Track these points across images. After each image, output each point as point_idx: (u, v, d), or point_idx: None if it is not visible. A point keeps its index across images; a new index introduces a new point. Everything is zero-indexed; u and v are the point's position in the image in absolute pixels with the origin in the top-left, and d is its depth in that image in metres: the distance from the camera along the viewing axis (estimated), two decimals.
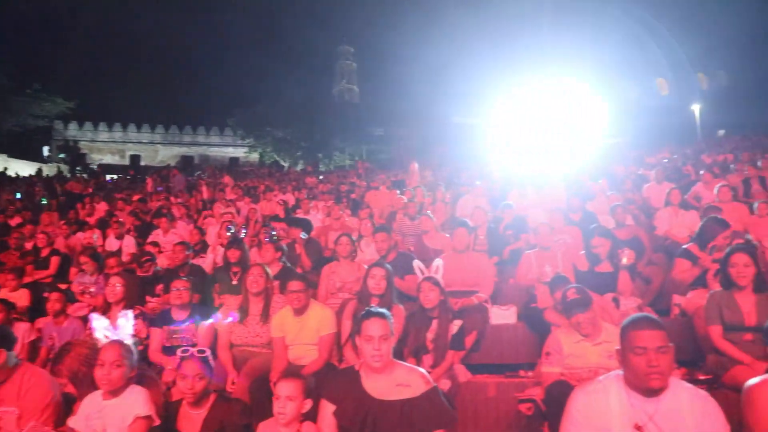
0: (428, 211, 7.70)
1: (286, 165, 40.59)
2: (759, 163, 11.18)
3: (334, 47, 72.76)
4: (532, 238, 6.25)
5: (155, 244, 7.82)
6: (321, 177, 20.95)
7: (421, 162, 16.24)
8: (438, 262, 4.53)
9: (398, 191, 11.27)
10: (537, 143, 11.96)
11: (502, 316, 5.17)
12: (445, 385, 3.79)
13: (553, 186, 9.44)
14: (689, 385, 2.39)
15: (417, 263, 4.62)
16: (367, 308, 2.94)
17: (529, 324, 4.95)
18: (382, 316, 2.81)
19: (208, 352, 3.11)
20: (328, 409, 2.78)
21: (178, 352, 3.11)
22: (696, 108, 33.37)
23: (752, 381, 2.33)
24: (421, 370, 2.89)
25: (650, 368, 2.24)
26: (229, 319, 4.50)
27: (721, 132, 29.34)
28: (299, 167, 36.40)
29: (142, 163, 49.25)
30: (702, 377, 4.06)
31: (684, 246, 5.41)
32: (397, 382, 2.76)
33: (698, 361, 4.34)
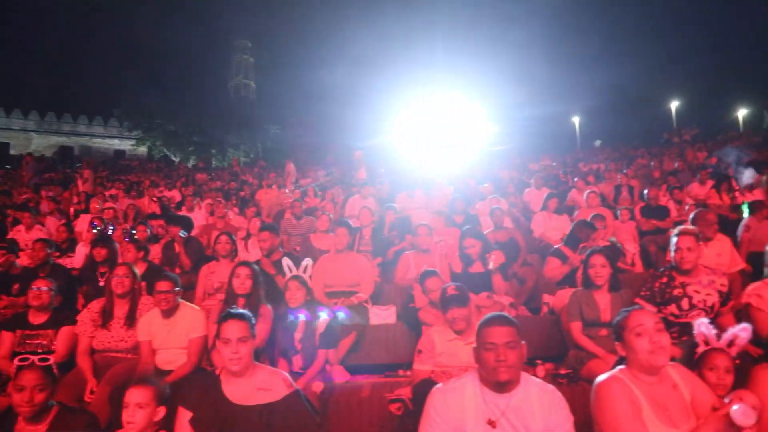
0: (318, 211, 7.63)
1: (176, 160, 38.66)
2: (625, 172, 12.26)
3: (231, 40, 70.47)
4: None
5: (12, 241, 7.08)
6: (213, 174, 20.15)
7: (310, 161, 16.17)
8: (307, 261, 4.49)
9: (287, 190, 11.09)
10: (428, 149, 12.44)
11: (382, 316, 5.20)
12: (318, 386, 3.73)
13: (440, 188, 9.70)
14: (538, 380, 2.50)
15: (286, 261, 4.55)
16: (227, 310, 2.81)
17: (408, 324, 5.02)
18: (240, 317, 2.70)
19: (52, 360, 2.82)
20: (184, 416, 2.62)
21: (16, 361, 2.80)
22: (576, 120, 36.00)
23: (600, 378, 2.47)
24: (284, 373, 2.81)
25: (498, 362, 2.33)
26: None
27: (598, 142, 31.73)
28: (191, 163, 34.84)
29: (12, 152, 44.71)
30: (563, 371, 4.33)
31: (556, 246, 5.77)
32: (257, 386, 2.66)
33: (565, 356, 4.60)
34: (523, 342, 2.45)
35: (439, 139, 12.79)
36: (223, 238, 5.49)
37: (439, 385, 2.54)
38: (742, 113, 34.60)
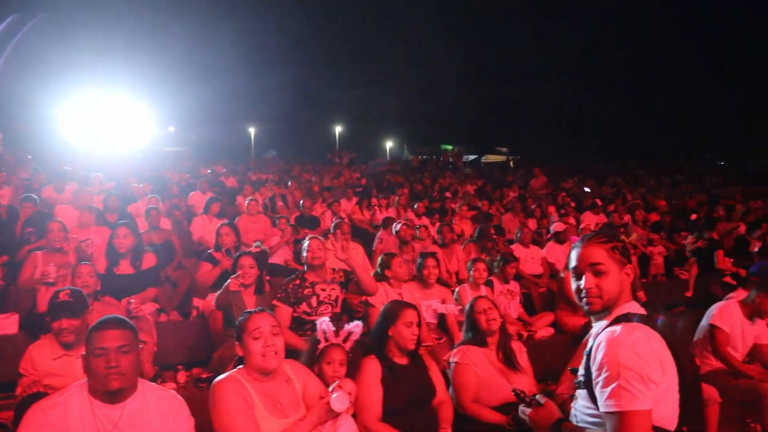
0: None
1: None
2: (289, 184, 13.11)
3: None
4: None
5: None
6: None
7: None
8: None
9: None
10: (89, 141, 11.35)
11: (2, 326, 4.36)
12: None
13: (95, 183, 8.78)
14: (157, 387, 2.39)
15: None
16: None
17: (30, 332, 4.29)
18: None
19: None
20: None
21: None
22: (252, 130, 37.09)
23: (218, 378, 2.48)
24: None
25: (109, 369, 2.13)
26: None
27: (272, 154, 33.22)
28: None
29: None
30: (205, 375, 4.29)
31: (209, 251, 5.72)
32: None
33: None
34: (142, 345, 2.30)
35: (103, 134, 11.72)
36: None
37: (37, 404, 2.20)
38: (389, 144, 41.17)
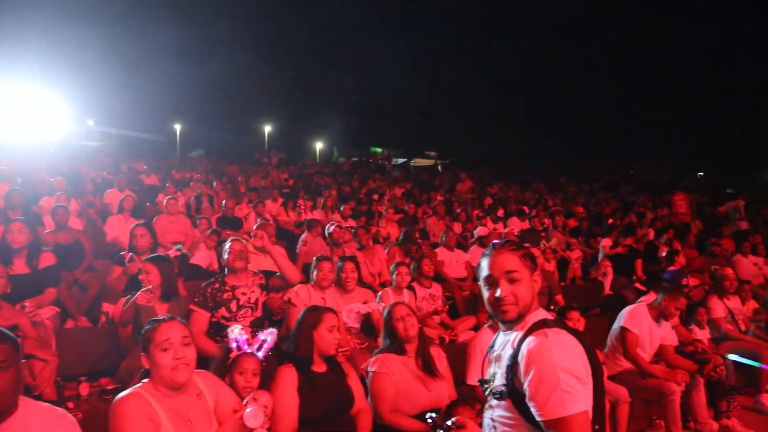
0: None
1: None
2: (214, 184, 12.68)
3: None
4: None
5: None
6: None
7: None
8: None
9: None
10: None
11: None
12: None
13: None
14: (45, 406, 2.12)
15: None
16: None
17: None
18: None
19: None
20: None
21: None
22: (177, 127, 35.76)
23: (120, 395, 2.26)
24: None
25: None
26: None
27: (199, 152, 32.19)
28: None
29: None
30: (111, 387, 4.02)
31: (120, 253, 5.39)
32: None
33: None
34: (43, 365, 2.07)
35: (12, 124, 10.92)
36: None
37: None
38: (319, 146, 40.84)
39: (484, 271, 1.91)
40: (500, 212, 11.31)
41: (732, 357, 5.26)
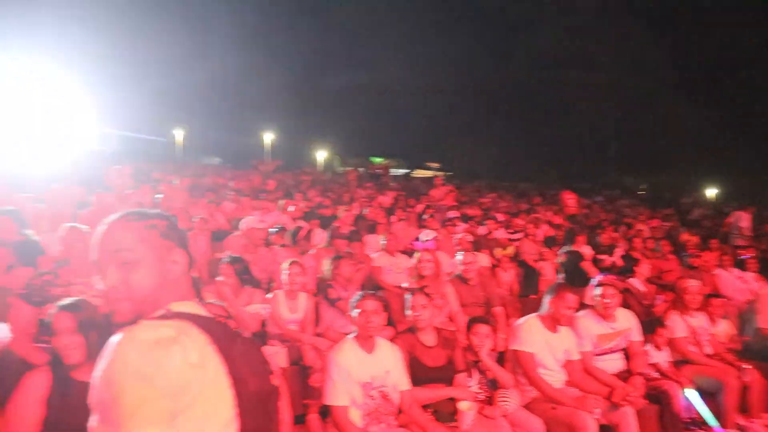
0: None
1: None
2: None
3: None
4: None
5: None
6: None
7: None
8: None
9: None
10: None
11: None
12: None
13: None
14: None
15: None
16: None
17: None
18: None
19: None
20: None
21: None
22: (179, 133, 35.49)
23: None
24: None
25: None
26: None
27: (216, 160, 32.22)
28: None
29: None
30: None
31: None
32: None
33: None
34: None
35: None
36: None
37: None
38: (322, 155, 40.29)
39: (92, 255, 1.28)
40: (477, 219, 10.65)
41: (689, 393, 4.39)
